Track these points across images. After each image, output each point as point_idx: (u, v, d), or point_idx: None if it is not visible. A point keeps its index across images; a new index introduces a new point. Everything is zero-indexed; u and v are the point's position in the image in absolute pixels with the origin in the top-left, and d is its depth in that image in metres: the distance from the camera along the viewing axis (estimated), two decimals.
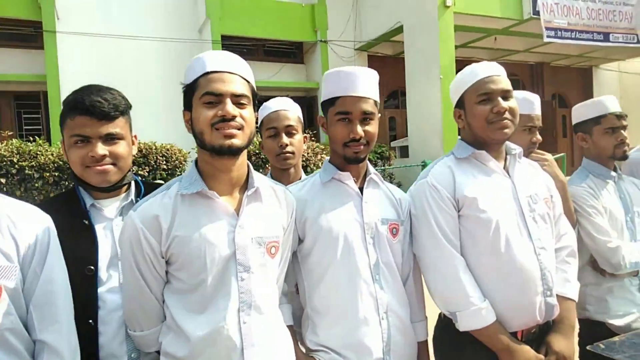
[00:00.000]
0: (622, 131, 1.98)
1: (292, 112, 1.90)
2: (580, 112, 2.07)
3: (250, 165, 1.32)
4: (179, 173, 6.59)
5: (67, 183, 5.77)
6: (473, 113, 1.59)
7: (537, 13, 8.83)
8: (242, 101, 1.20)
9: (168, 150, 6.27)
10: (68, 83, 7.68)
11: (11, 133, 6.18)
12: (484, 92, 1.56)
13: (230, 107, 1.16)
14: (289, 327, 1.45)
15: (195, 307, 1.17)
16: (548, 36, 8.94)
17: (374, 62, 10.76)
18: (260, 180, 1.31)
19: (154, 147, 6.12)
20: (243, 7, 8.79)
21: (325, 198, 1.50)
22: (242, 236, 1.21)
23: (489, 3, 8.49)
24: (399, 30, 9.05)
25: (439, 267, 1.51)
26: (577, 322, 1.98)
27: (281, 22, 9.13)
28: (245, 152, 1.27)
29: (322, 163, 6.86)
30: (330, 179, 1.52)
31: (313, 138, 7.72)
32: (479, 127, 1.58)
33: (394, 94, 11.37)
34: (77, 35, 7.79)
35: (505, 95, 1.57)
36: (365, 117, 1.46)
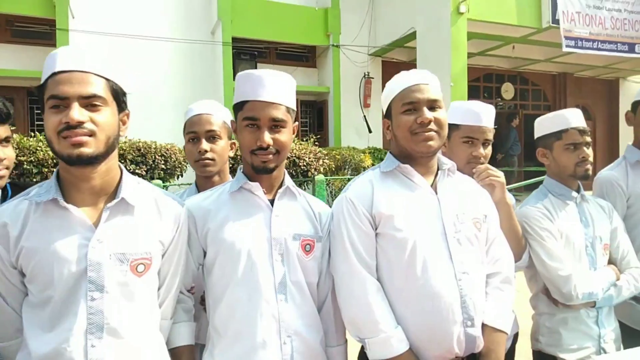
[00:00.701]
0: (585, 148, 1.82)
1: (217, 116, 1.81)
2: (542, 125, 1.92)
3: (124, 171, 1.23)
4: (178, 173, 6.60)
5: None
6: (397, 123, 1.49)
7: (556, 22, 8.51)
8: (94, 102, 1.11)
9: (168, 150, 6.27)
10: None
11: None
12: (409, 101, 1.45)
13: (75, 113, 1.06)
14: (186, 347, 1.36)
15: (44, 324, 1.09)
16: (567, 46, 8.60)
17: (388, 68, 10.62)
18: (133, 189, 1.22)
19: (153, 146, 6.13)
20: (255, 10, 8.78)
21: (231, 209, 1.41)
22: (98, 252, 1.12)
23: (506, 11, 8.23)
24: (413, 36, 8.87)
25: (349, 289, 1.40)
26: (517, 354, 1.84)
27: (293, 26, 9.09)
28: (112, 157, 1.18)
29: (323, 168, 6.73)
30: (238, 188, 1.43)
31: (317, 142, 7.63)
32: (403, 138, 1.47)
33: None
34: (91, 34, 7.91)
35: (432, 105, 1.45)
36: (276, 125, 1.37)
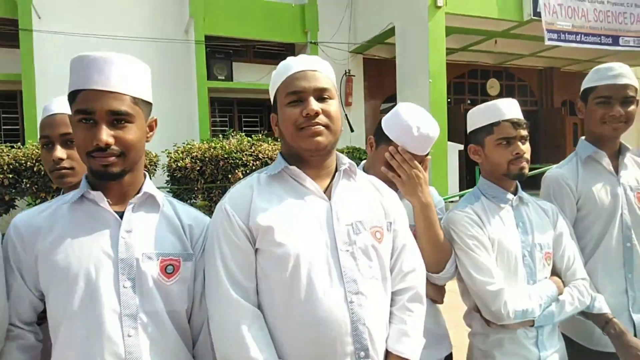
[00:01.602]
0: (520, 143, 1.59)
1: None
2: (473, 118, 1.69)
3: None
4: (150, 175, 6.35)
5: (25, 184, 5.59)
6: (282, 117, 1.26)
7: (538, 14, 8.30)
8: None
9: None
10: (46, 83, 7.56)
11: None
12: (293, 91, 1.23)
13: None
14: None
15: None
16: (550, 39, 8.39)
17: (370, 65, 10.41)
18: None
19: None
20: (228, 7, 8.54)
21: (67, 225, 1.17)
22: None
23: (486, 4, 8.02)
24: (392, 32, 8.65)
25: (221, 318, 1.17)
26: None
27: (269, 23, 8.85)
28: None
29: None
30: (79, 198, 1.19)
31: None
32: (289, 135, 1.25)
33: (391, 98, 10.95)
34: (58, 35, 7.65)
35: (321, 95, 1.22)
36: (118, 119, 1.13)
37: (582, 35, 8.80)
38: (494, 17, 8.23)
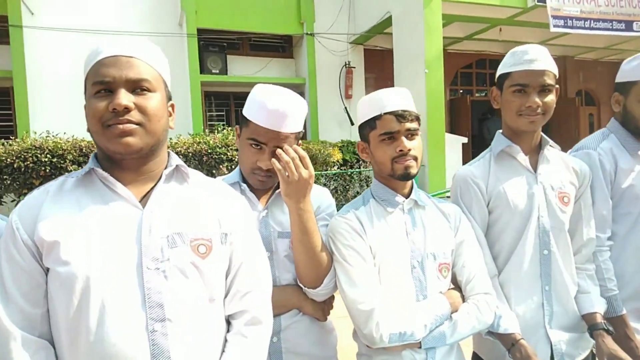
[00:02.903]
0: (406, 138, 1.38)
1: None
2: (359, 111, 1.49)
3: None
4: None
5: (6, 181, 5.59)
6: (87, 111, 1.09)
7: (543, 0, 7.89)
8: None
9: None
10: (37, 80, 7.58)
11: None
12: (99, 80, 1.05)
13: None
14: None
15: None
16: (555, 25, 7.96)
17: (371, 56, 10.13)
18: None
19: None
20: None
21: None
22: None
23: None
24: (390, 21, 8.37)
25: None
26: None
27: (263, 15, 8.66)
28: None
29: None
30: None
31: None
32: (93, 133, 1.08)
33: None
34: (51, 31, 7.65)
35: (138, 87, 1.05)
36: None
37: (592, 21, 8.33)
38: (496, 4, 7.86)
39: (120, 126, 1.01)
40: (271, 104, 1.35)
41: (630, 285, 1.69)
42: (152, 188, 1.09)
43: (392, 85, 8.71)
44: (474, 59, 11.20)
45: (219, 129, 6.71)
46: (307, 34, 9.06)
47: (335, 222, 1.41)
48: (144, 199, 1.08)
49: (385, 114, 1.37)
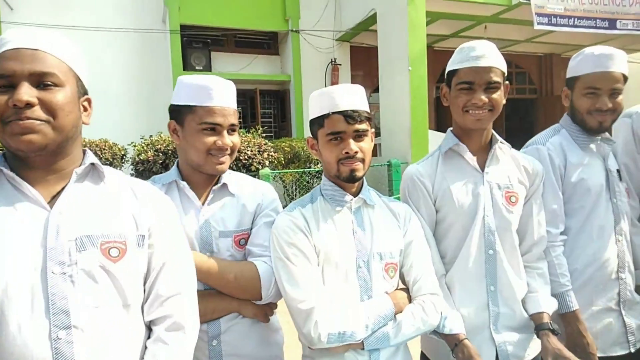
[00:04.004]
0: (353, 140, 1.35)
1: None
2: (310, 105, 1.46)
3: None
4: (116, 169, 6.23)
5: None
6: None
7: None
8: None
9: (97, 146, 5.91)
10: None
11: None
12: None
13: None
14: None
15: None
16: (539, 23, 7.97)
17: (357, 53, 10.09)
18: None
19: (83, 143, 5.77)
20: None
21: None
22: None
23: None
24: (375, 18, 8.34)
25: None
26: None
27: (247, 11, 8.60)
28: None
29: (269, 162, 6.24)
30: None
31: (264, 134, 7.17)
32: None
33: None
34: (30, 27, 7.52)
35: (42, 81, 1.00)
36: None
37: (576, 19, 8.35)
38: (480, 2, 7.86)
39: (21, 122, 0.96)
40: (212, 83, 1.38)
41: (581, 278, 1.69)
42: (63, 188, 1.05)
43: (377, 83, 8.71)
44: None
45: None
46: (292, 30, 9.01)
47: (279, 219, 1.39)
48: (53, 200, 1.03)
49: (333, 113, 1.34)
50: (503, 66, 1.51)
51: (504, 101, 1.54)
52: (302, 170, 7.12)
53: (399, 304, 1.36)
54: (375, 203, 1.45)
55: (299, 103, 9.13)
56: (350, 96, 1.36)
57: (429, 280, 1.41)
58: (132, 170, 6.37)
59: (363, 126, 1.35)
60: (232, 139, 1.41)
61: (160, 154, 6.04)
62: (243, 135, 6.77)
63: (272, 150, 6.86)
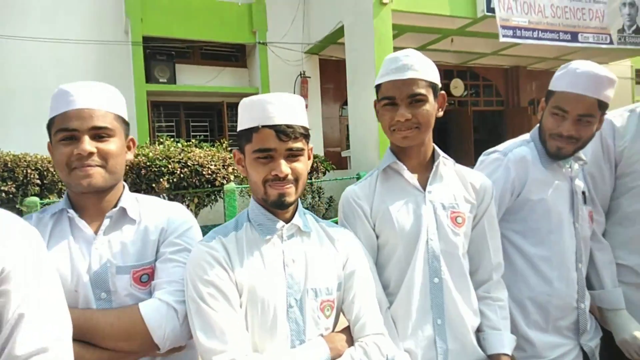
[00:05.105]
0: (285, 160, 1.18)
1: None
2: (239, 114, 1.28)
3: None
4: (61, 189, 5.92)
5: None
6: None
7: (492, 10, 7.98)
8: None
9: (44, 161, 5.59)
10: None
11: None
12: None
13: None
14: None
15: None
16: (504, 36, 8.07)
17: (326, 66, 10.04)
18: None
19: (24, 159, 5.45)
20: (169, 7, 8.11)
21: None
22: None
23: (436, 0, 7.68)
24: (342, 31, 8.29)
25: None
26: None
27: (213, 23, 8.44)
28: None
29: (234, 176, 6.01)
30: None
31: (230, 148, 6.97)
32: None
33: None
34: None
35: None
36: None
37: (540, 32, 8.49)
38: (446, 14, 7.90)
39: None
40: (72, 88, 1.22)
41: (537, 305, 1.57)
42: None
43: (346, 96, 8.63)
44: None
45: (161, 140, 6.42)
46: (259, 43, 8.88)
47: (195, 251, 1.20)
48: None
49: (264, 127, 1.16)
50: (431, 76, 1.36)
51: (440, 114, 1.41)
52: None
53: (336, 347, 1.19)
54: (311, 230, 1.28)
55: None
56: (285, 107, 1.17)
57: (373, 318, 1.24)
58: None
59: (298, 144, 1.18)
60: (101, 145, 1.19)
61: None
62: (207, 149, 6.56)
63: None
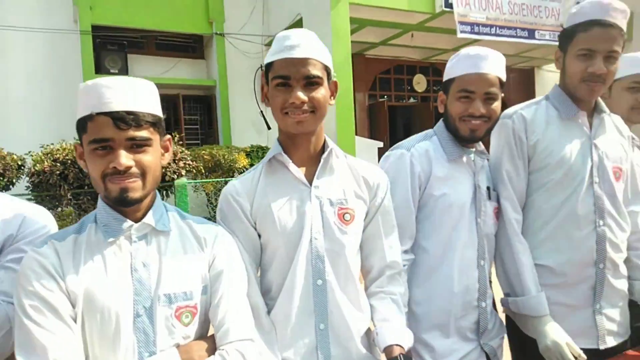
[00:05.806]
0: (126, 150, 1.08)
1: None
2: (78, 103, 1.15)
3: None
4: (11, 181, 5.63)
5: None
6: None
7: (450, 6, 7.99)
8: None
9: None
10: None
11: None
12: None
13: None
14: None
15: None
16: (462, 31, 8.10)
17: None
18: None
19: None
20: None
21: None
22: None
23: None
24: (301, 23, 8.15)
25: None
26: None
27: (166, 12, 8.16)
28: None
29: (186, 171, 5.84)
30: None
31: (181, 142, 6.77)
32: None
33: None
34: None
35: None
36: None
37: (497, 28, 8.56)
38: (405, 9, 7.85)
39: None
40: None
41: (437, 305, 1.49)
42: None
43: None
44: (392, 65, 11.24)
45: None
46: (216, 33, 8.65)
47: (24, 259, 1.06)
48: None
49: (98, 114, 1.04)
50: (327, 59, 1.28)
51: (332, 102, 1.32)
52: (224, 179, 6.78)
53: (191, 358, 1.08)
54: (169, 229, 1.16)
55: (225, 109, 8.77)
56: (127, 93, 1.05)
57: (240, 323, 1.14)
58: (27, 182, 5.78)
59: (143, 133, 1.06)
60: None
61: (59, 164, 5.50)
62: None
63: (189, 159, 6.48)
